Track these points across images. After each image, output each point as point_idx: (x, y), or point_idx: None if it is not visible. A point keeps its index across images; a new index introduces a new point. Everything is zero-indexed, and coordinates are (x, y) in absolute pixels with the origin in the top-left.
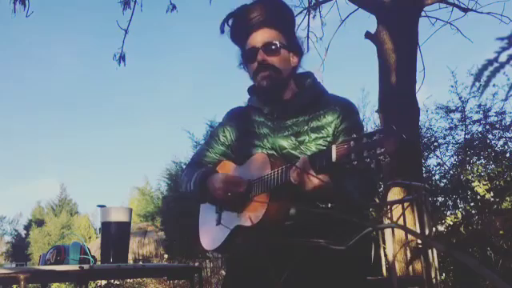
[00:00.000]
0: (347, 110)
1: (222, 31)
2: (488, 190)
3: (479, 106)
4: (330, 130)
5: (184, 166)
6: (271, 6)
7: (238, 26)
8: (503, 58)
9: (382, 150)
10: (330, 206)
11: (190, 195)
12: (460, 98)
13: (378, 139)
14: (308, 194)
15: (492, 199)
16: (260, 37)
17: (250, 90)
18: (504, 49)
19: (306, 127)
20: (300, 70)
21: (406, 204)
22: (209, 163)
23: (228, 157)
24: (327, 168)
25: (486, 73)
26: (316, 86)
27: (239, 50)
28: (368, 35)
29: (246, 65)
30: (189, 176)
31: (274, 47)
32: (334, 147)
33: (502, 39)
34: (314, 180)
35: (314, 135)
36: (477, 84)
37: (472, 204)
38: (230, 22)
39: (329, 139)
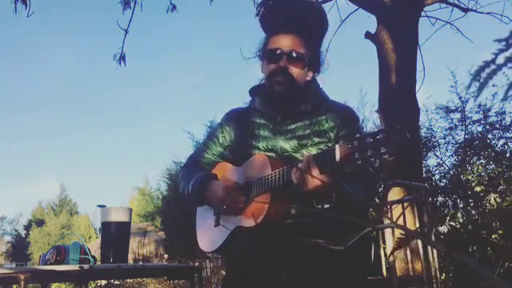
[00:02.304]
0: (348, 117)
1: (258, 13)
2: (479, 183)
3: (479, 106)
4: (331, 135)
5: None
6: (316, 16)
7: (275, 14)
8: (500, 59)
9: (386, 149)
10: (326, 206)
11: (187, 198)
12: (460, 98)
13: (381, 139)
14: (309, 194)
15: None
16: (290, 41)
17: (252, 92)
18: (502, 50)
19: (308, 131)
20: None
21: (406, 204)
22: (206, 164)
23: (226, 158)
24: (330, 168)
25: (483, 74)
26: (319, 92)
27: (264, 37)
28: (368, 35)
29: (264, 60)
30: (186, 178)
31: (299, 58)
32: (337, 147)
33: (499, 41)
34: (315, 180)
35: (316, 139)
36: (474, 84)
37: (471, 203)
38: (269, 5)
39: (330, 144)
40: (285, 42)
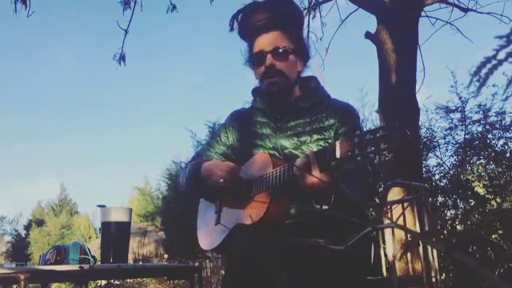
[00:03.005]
0: (348, 114)
1: (232, 28)
2: (485, 187)
3: (479, 105)
4: (331, 133)
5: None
6: (282, 6)
7: (247, 23)
8: (501, 55)
9: (386, 145)
10: (324, 207)
11: (186, 186)
12: (460, 98)
13: (381, 135)
14: (309, 192)
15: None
16: (269, 40)
17: (254, 92)
18: (502, 47)
19: (308, 128)
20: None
21: (405, 204)
22: None
23: (228, 157)
24: (330, 165)
25: (484, 70)
26: (319, 89)
27: (247, 46)
28: (368, 35)
29: (253, 66)
30: (185, 170)
31: (282, 52)
32: (338, 143)
33: (500, 37)
34: (315, 178)
35: (315, 136)
36: (475, 81)
37: (472, 203)
38: (239, 18)
39: (330, 141)
40: (265, 42)
